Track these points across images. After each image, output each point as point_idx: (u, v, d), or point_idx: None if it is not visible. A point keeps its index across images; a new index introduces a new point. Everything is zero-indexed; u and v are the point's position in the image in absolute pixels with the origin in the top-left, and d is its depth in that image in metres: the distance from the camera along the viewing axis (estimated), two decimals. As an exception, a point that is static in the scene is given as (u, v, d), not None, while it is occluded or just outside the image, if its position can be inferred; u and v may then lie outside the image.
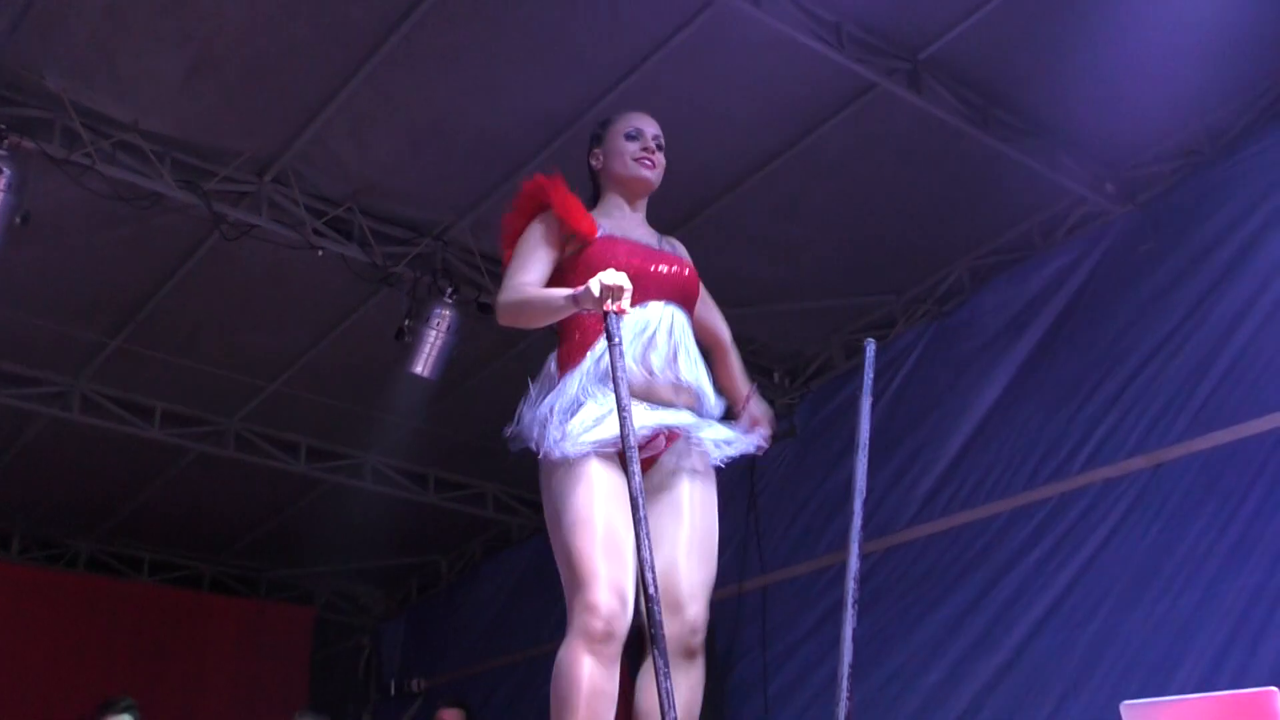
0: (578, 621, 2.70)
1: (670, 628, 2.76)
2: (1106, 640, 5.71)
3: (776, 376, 7.80)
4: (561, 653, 2.71)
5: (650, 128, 3.21)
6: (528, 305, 2.94)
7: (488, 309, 6.69)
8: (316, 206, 6.19)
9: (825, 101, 5.77)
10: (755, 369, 7.64)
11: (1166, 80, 5.60)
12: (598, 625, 2.68)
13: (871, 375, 2.89)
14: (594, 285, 2.72)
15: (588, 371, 2.91)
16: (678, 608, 2.86)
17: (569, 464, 2.83)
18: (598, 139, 3.24)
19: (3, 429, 7.84)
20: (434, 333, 6.38)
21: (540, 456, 2.91)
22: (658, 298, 3.00)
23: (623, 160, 3.16)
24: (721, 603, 7.35)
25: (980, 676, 6.18)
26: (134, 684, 9.29)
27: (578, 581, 2.73)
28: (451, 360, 6.68)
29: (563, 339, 3.04)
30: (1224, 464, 5.52)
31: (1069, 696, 5.72)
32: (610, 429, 2.79)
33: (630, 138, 3.18)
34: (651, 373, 2.93)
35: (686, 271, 3.13)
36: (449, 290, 6.44)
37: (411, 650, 10.34)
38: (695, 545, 2.95)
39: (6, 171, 5.28)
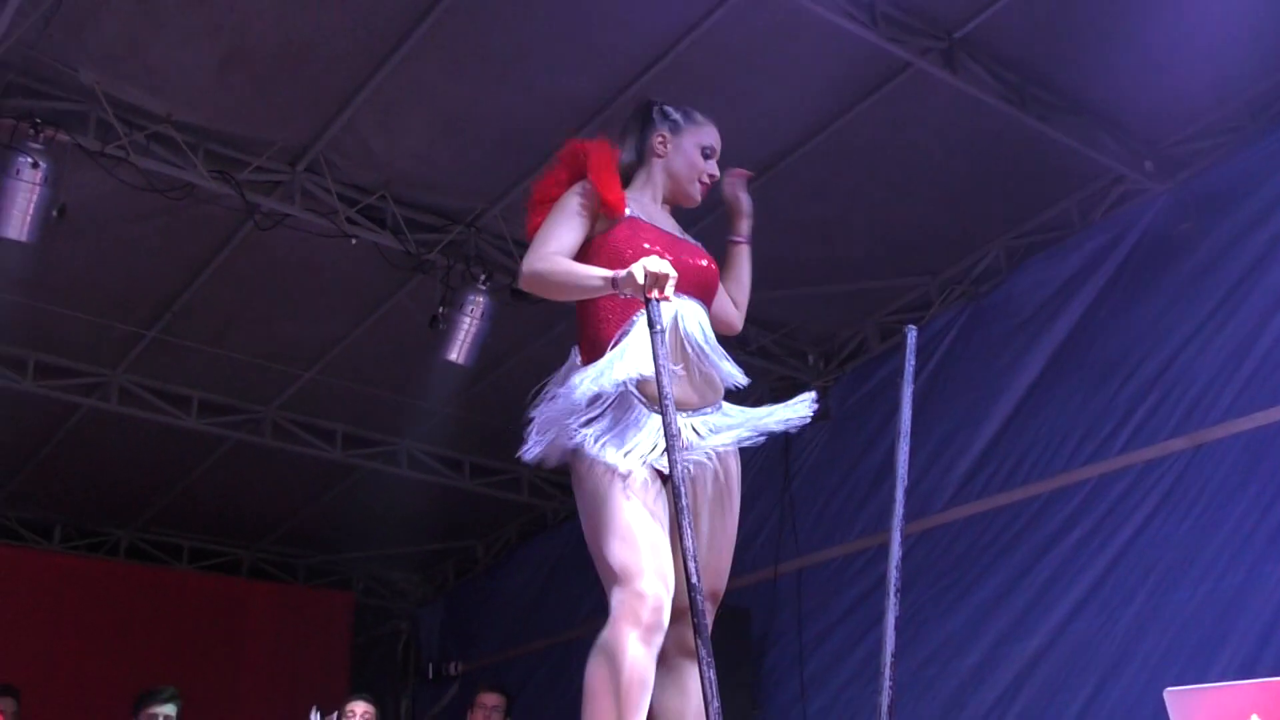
0: (625, 609, 2.64)
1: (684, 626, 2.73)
2: (1147, 623, 5.66)
3: (811, 359, 7.76)
4: (606, 637, 2.64)
5: (719, 150, 3.17)
6: (559, 276, 2.86)
7: (520, 295, 6.69)
8: (349, 195, 6.19)
9: (859, 82, 5.71)
10: (790, 351, 7.63)
11: (1206, 57, 5.51)
12: (648, 614, 2.63)
13: (913, 363, 2.86)
14: (638, 270, 2.66)
15: (621, 364, 2.83)
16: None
17: (590, 459, 2.80)
18: (673, 125, 3.14)
19: (43, 420, 7.91)
20: (468, 319, 6.38)
21: (572, 449, 2.86)
22: (682, 290, 2.91)
23: (690, 170, 3.12)
24: (757, 586, 7.37)
25: (1018, 660, 6.15)
26: (175, 671, 9.39)
27: (625, 570, 2.67)
28: (485, 346, 6.69)
29: (586, 326, 2.97)
30: (1266, 445, 5.45)
31: (1108, 680, 5.69)
32: (649, 436, 2.77)
33: (706, 155, 3.13)
34: (684, 370, 2.87)
35: (710, 264, 3.08)
36: (482, 277, 6.44)
37: (449, 634, 10.41)
38: (726, 543, 2.94)
39: (42, 165, 5.31)
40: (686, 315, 2.93)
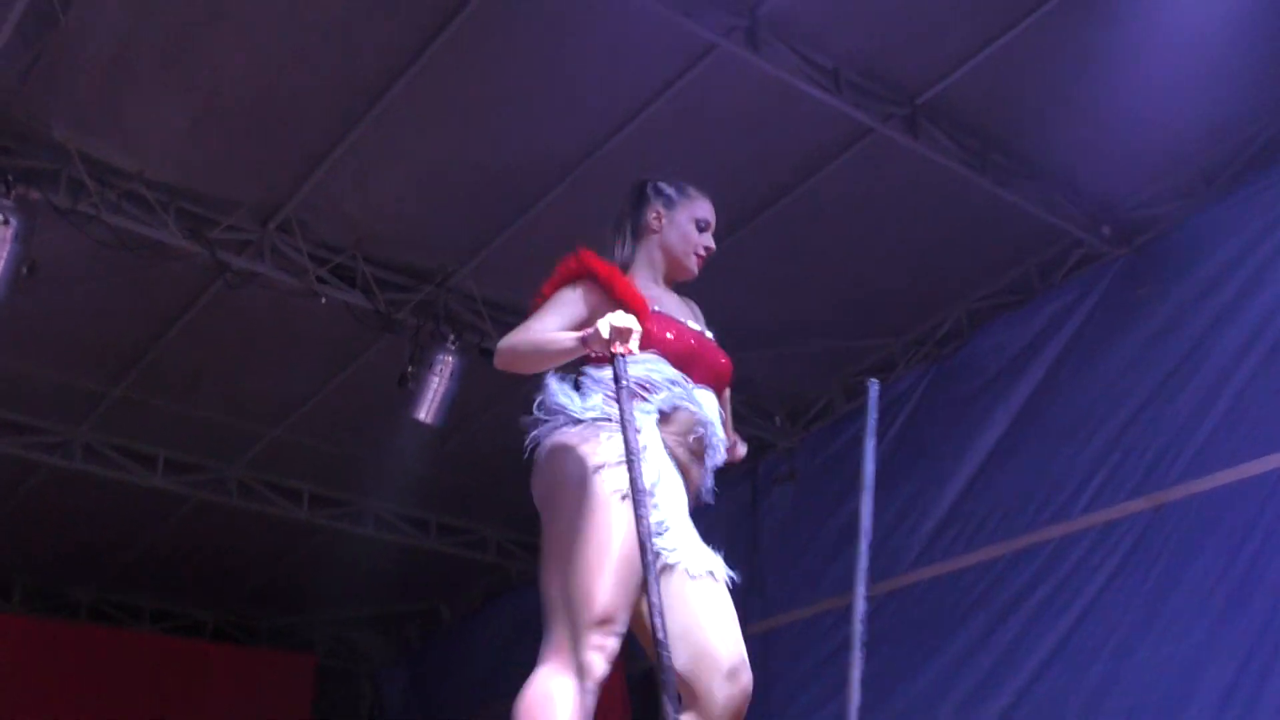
0: (580, 657, 2.62)
1: (728, 690, 2.74)
2: (1111, 682, 5.70)
3: (778, 419, 7.82)
4: (545, 684, 2.62)
5: (714, 223, 3.17)
6: (535, 346, 2.84)
7: (489, 355, 6.72)
8: (319, 254, 6.23)
9: (823, 146, 5.83)
10: (756, 411, 7.68)
11: (1161, 123, 5.66)
12: (602, 668, 2.62)
13: (876, 416, 2.90)
14: (603, 326, 2.66)
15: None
16: (735, 672, 2.80)
17: (596, 491, 2.74)
18: (667, 201, 3.14)
19: (4, 478, 7.84)
20: (437, 379, 6.40)
21: (556, 470, 2.82)
22: (704, 383, 2.95)
23: (685, 245, 3.11)
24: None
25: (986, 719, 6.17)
26: (135, 733, 9.30)
27: (590, 616, 2.64)
28: (454, 405, 6.70)
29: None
30: (1225, 504, 5.53)
31: (1073, 741, 5.71)
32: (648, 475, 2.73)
33: (701, 228, 3.13)
34: (698, 462, 2.90)
35: (726, 360, 3.09)
36: (451, 336, 6.47)
37: (414, 697, 10.29)
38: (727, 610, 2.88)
39: (13, 222, 5.32)
40: (712, 408, 2.95)
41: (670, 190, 3.18)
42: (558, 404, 2.88)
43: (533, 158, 5.83)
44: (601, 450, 2.77)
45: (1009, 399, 6.65)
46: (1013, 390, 6.64)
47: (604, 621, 2.64)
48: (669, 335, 2.93)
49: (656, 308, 2.97)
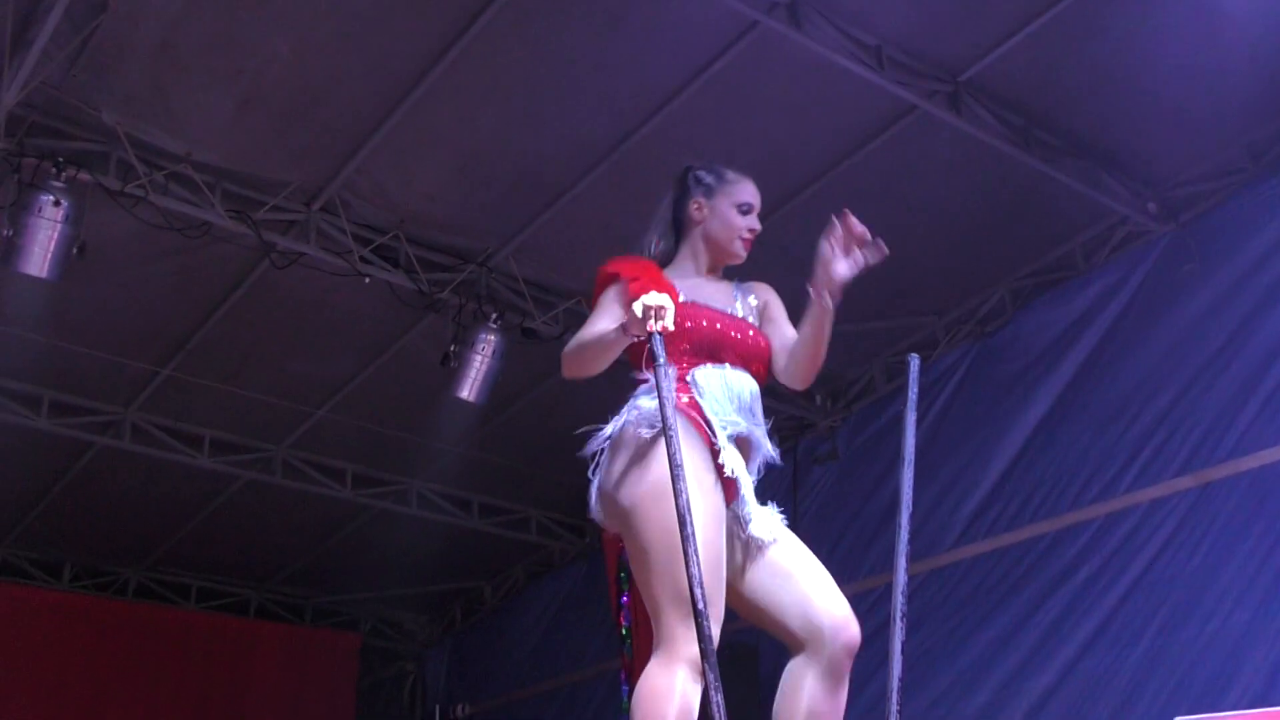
0: (684, 650, 2.68)
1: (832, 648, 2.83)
2: (1156, 661, 5.68)
3: (819, 399, 7.82)
4: (654, 678, 2.69)
5: (758, 202, 3.17)
6: (584, 347, 2.92)
7: (531, 334, 6.77)
8: (363, 235, 6.28)
9: (866, 124, 5.81)
10: (798, 391, 7.66)
11: (1208, 99, 5.61)
12: (697, 655, 2.64)
13: (916, 390, 2.91)
14: (636, 307, 2.71)
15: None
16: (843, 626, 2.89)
17: (663, 486, 2.74)
18: (707, 190, 3.15)
19: (55, 458, 7.95)
20: (479, 358, 6.45)
21: (627, 473, 2.87)
22: (735, 363, 2.98)
23: (730, 232, 3.12)
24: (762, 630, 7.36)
25: (1027, 698, 6.15)
26: (181, 712, 9.43)
27: (684, 609, 2.67)
28: (495, 387, 6.75)
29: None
30: (1272, 482, 5.50)
31: (1118, 718, 5.69)
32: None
33: (744, 212, 3.13)
34: (742, 434, 2.94)
35: (757, 335, 3.10)
36: (494, 316, 6.51)
37: (456, 676, 10.38)
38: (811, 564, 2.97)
39: (64, 203, 5.39)
40: (744, 384, 2.98)
41: (709, 179, 3.18)
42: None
43: (572, 139, 5.85)
44: (659, 444, 2.80)
45: (1053, 377, 6.62)
46: (1057, 369, 6.61)
47: (685, 612, 2.65)
48: (687, 324, 2.95)
49: (684, 298, 2.98)
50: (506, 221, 6.36)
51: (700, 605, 2.57)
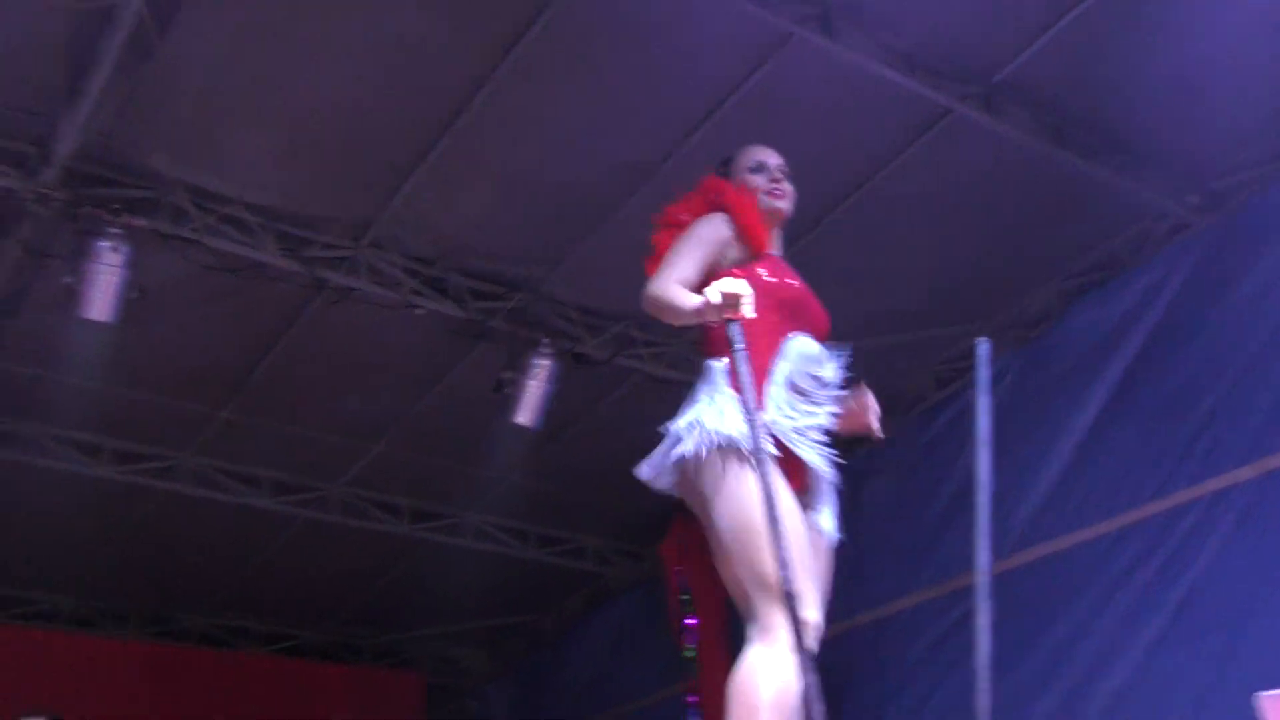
0: (782, 636, 2.70)
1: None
2: (1227, 657, 5.59)
3: (869, 411, 7.79)
4: (752, 663, 2.71)
5: (772, 158, 3.32)
6: (666, 304, 2.99)
7: (582, 359, 6.83)
8: (412, 267, 6.37)
9: (901, 130, 5.85)
10: (847, 405, 7.66)
11: (1245, 86, 5.60)
12: (809, 641, 2.70)
13: (988, 372, 2.95)
14: (714, 294, 2.78)
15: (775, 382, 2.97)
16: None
17: (746, 469, 2.82)
18: (725, 171, 3.33)
19: (116, 505, 8.07)
20: (534, 382, 6.51)
21: (705, 458, 2.92)
22: (811, 333, 3.07)
23: (755, 193, 3.25)
24: (834, 639, 7.34)
25: (1098, 701, 6.09)
26: (248, 755, 9.50)
27: (774, 592, 2.72)
28: (547, 414, 6.80)
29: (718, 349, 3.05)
30: (1336, 465, 5.45)
31: (1196, 715, 5.62)
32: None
33: (755, 170, 3.27)
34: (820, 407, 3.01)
35: (825, 316, 3.21)
36: (544, 342, 6.57)
37: (519, 710, 10.39)
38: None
39: (122, 249, 5.53)
40: (814, 351, 3.06)
41: (722, 169, 3.36)
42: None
43: (613, 161, 5.92)
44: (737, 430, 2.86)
45: (1104, 376, 6.58)
46: (1107, 367, 6.57)
47: (786, 594, 2.69)
48: (770, 280, 3.01)
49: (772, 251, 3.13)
50: (551, 246, 6.44)
51: (787, 570, 2.61)
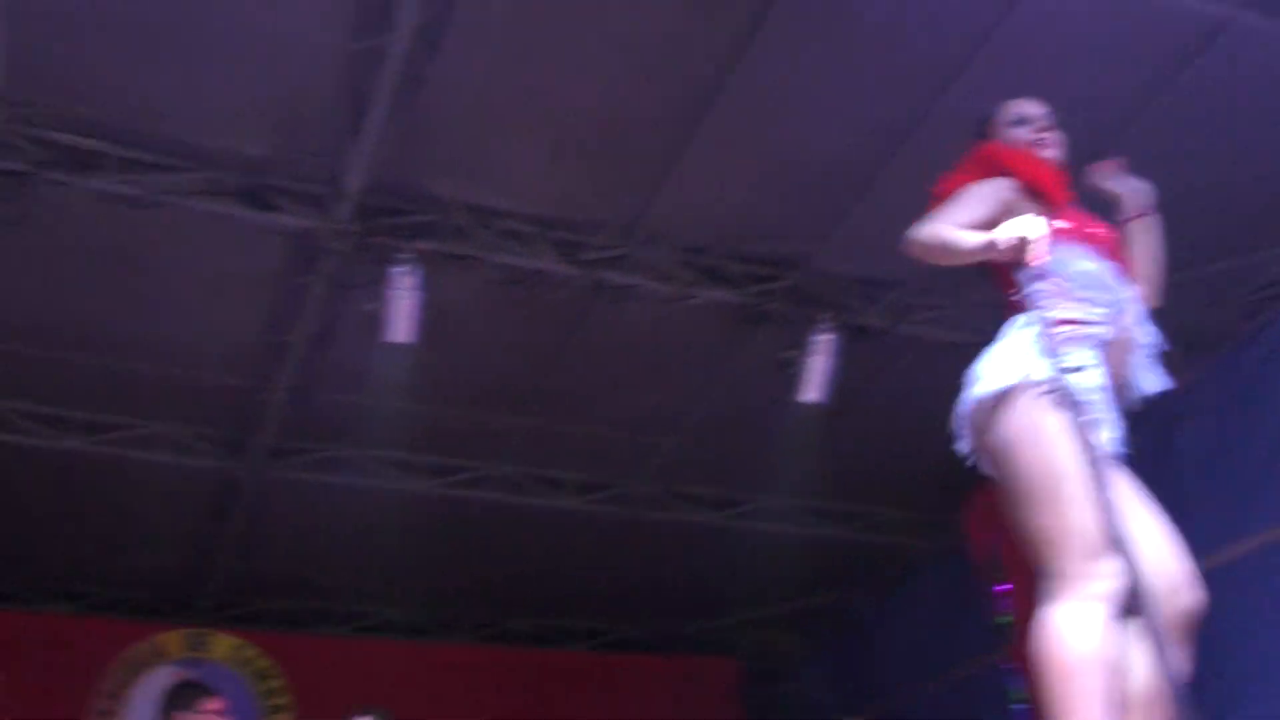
0: (1089, 587, 2.56)
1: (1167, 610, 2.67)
2: None
3: (1178, 352, 7.37)
4: (1068, 620, 2.55)
5: (1034, 109, 3.18)
6: (944, 244, 2.87)
7: (863, 331, 6.76)
8: (685, 258, 6.47)
9: (1178, 49, 5.50)
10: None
11: None
12: (1109, 590, 2.55)
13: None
14: (1011, 231, 2.69)
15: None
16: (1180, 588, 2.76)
17: (1045, 416, 2.71)
18: (982, 133, 3.22)
19: (435, 519, 8.48)
20: (818, 357, 6.50)
21: (1004, 401, 2.81)
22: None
23: (1024, 150, 3.13)
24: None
25: None
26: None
27: (1088, 544, 2.58)
28: (833, 390, 6.77)
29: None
30: None
31: None
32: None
33: (1017, 124, 3.15)
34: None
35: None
36: (823, 317, 6.55)
37: (836, 689, 10.36)
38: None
39: (417, 272, 5.86)
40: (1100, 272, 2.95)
41: (981, 130, 3.23)
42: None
43: (869, 126, 5.82)
44: (1038, 377, 2.75)
45: None
46: None
47: (1094, 546, 2.58)
48: (1067, 227, 2.92)
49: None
50: (818, 219, 6.40)
51: (1120, 533, 2.48)
